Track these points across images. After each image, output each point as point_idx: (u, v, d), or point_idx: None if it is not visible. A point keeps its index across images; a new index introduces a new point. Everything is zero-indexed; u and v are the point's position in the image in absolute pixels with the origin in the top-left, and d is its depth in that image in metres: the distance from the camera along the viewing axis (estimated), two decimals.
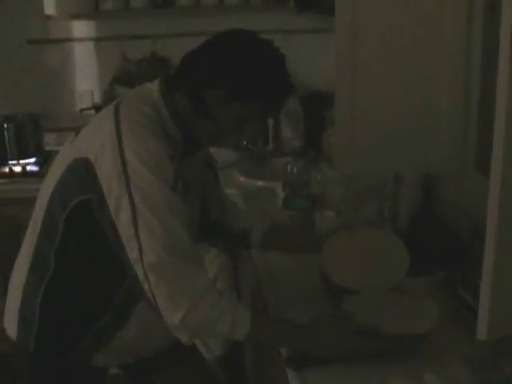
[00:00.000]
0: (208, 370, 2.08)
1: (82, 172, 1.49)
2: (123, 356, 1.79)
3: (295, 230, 2.16)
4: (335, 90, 2.03)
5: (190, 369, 1.95)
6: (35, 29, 3.46)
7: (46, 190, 1.61)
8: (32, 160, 3.34)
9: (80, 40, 3.57)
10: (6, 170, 3.27)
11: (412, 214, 2.10)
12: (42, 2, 3.37)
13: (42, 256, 1.62)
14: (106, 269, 1.59)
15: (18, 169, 3.28)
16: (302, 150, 3.21)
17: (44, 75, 3.52)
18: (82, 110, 3.51)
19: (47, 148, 3.41)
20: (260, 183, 2.85)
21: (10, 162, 3.31)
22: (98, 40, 3.57)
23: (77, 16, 3.46)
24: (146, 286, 1.46)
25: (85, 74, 3.61)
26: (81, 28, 3.56)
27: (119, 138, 1.46)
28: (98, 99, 3.61)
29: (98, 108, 3.38)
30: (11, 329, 1.71)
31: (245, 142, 2.99)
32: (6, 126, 3.31)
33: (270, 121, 3.29)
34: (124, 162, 1.44)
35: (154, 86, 1.60)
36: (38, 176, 3.10)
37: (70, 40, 3.56)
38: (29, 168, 3.29)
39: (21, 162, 3.31)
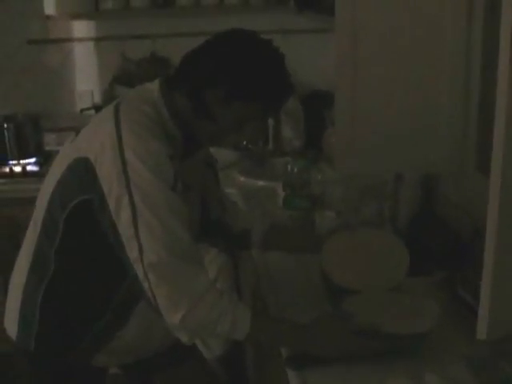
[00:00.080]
0: (208, 370, 2.08)
1: (82, 172, 1.49)
2: (123, 356, 1.79)
3: (295, 230, 2.16)
4: (335, 90, 2.04)
5: (190, 369, 1.95)
6: (35, 29, 3.46)
7: (46, 189, 1.61)
8: (32, 160, 3.34)
9: (80, 40, 3.57)
10: (7, 170, 3.27)
11: (412, 213, 2.10)
12: (41, 2, 3.37)
13: (42, 256, 1.62)
14: (106, 269, 1.59)
15: (18, 169, 3.28)
16: (302, 150, 3.21)
17: (44, 75, 3.52)
18: (82, 110, 3.51)
19: (47, 148, 3.41)
20: (260, 183, 2.85)
21: (10, 162, 3.31)
22: (98, 40, 3.56)
23: (77, 16, 3.46)
24: (146, 286, 1.46)
25: (85, 74, 3.61)
26: (81, 28, 3.56)
27: (119, 137, 1.46)
28: (98, 99, 3.61)
29: (98, 108, 3.38)
30: (11, 329, 1.71)
31: (245, 142, 2.99)
32: (6, 126, 3.31)
33: (270, 121, 3.29)
34: (124, 162, 1.44)
35: (154, 86, 1.60)
36: (38, 176, 3.10)
37: (70, 40, 3.56)
38: (29, 168, 3.29)
39: (21, 162, 3.31)
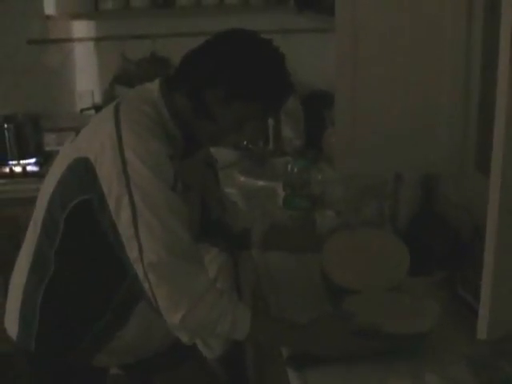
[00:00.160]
0: (208, 370, 2.08)
1: (82, 172, 1.49)
2: (123, 356, 1.79)
3: (295, 230, 2.16)
4: (335, 90, 2.04)
5: (191, 369, 1.95)
6: (35, 29, 3.46)
7: (47, 190, 1.61)
8: (32, 160, 3.34)
9: (80, 40, 3.57)
10: (7, 170, 3.27)
11: (412, 213, 2.10)
12: (42, 2, 3.36)
13: (43, 256, 1.62)
14: (107, 269, 1.59)
15: (18, 169, 3.28)
16: (303, 150, 3.20)
17: (44, 75, 3.52)
18: (82, 110, 3.51)
19: (47, 148, 3.41)
20: (260, 183, 2.85)
21: (11, 163, 3.31)
22: (98, 40, 3.57)
23: (77, 16, 3.46)
24: (146, 286, 1.46)
25: (85, 74, 3.61)
26: (81, 28, 3.57)
27: (119, 137, 1.46)
28: (98, 99, 3.61)
29: (98, 108, 3.38)
30: (12, 329, 1.71)
31: (245, 142, 2.99)
32: (6, 126, 3.31)
33: (271, 121, 3.29)
34: (124, 162, 1.44)
35: (154, 86, 1.60)
36: (38, 176, 3.10)
37: (70, 40, 3.57)
38: (29, 168, 3.29)
39: (21, 162, 3.31)
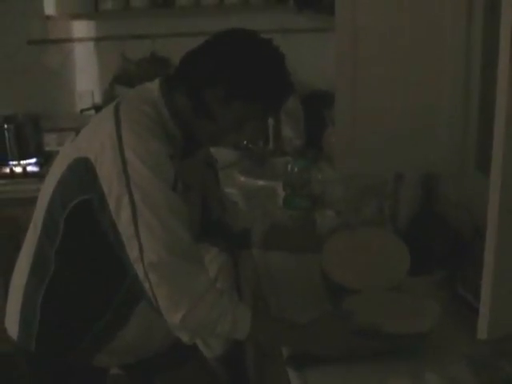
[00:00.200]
0: (209, 370, 2.08)
1: (82, 172, 1.49)
2: (124, 356, 1.79)
3: (296, 230, 2.16)
4: (335, 90, 2.04)
5: (191, 369, 1.95)
6: (35, 29, 3.46)
7: (47, 190, 1.61)
8: (32, 160, 3.34)
9: (80, 40, 3.57)
10: (7, 170, 3.27)
11: (412, 213, 2.10)
12: (42, 3, 3.37)
13: (43, 256, 1.62)
14: (107, 269, 1.59)
15: (18, 169, 3.28)
16: (303, 150, 3.20)
17: (44, 75, 3.52)
18: (82, 111, 3.51)
19: (48, 148, 3.41)
20: (260, 183, 2.85)
21: (11, 163, 3.31)
22: (97, 40, 3.57)
23: (77, 16, 3.46)
24: (146, 286, 1.46)
25: (85, 74, 3.61)
26: (81, 28, 3.57)
27: (119, 137, 1.46)
28: (98, 99, 3.61)
29: (98, 108, 3.38)
30: (12, 329, 1.71)
31: (245, 142, 2.99)
32: (6, 126, 3.31)
33: (271, 120, 3.29)
34: (124, 162, 1.44)
35: (154, 86, 1.60)
36: (38, 176, 3.10)
37: (70, 40, 3.57)
38: (29, 168, 3.29)
39: (21, 162, 3.31)
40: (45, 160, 3.28)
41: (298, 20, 3.39)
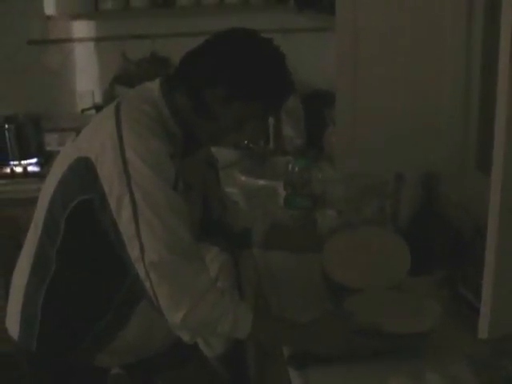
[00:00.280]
0: (210, 369, 2.08)
1: (83, 171, 1.49)
2: (125, 356, 1.79)
3: (296, 230, 2.15)
4: (336, 90, 2.04)
5: (192, 368, 1.95)
6: (35, 29, 3.46)
7: (48, 190, 1.61)
8: (33, 160, 3.34)
9: (80, 40, 3.57)
10: (8, 170, 3.27)
11: (413, 212, 2.10)
12: (42, 3, 3.36)
13: (44, 256, 1.62)
14: (108, 268, 1.59)
15: (19, 169, 3.28)
16: (303, 149, 3.20)
17: (44, 76, 3.52)
18: (82, 111, 3.51)
19: (48, 148, 3.41)
20: (261, 182, 2.85)
21: (12, 163, 3.31)
22: (98, 40, 3.57)
23: (77, 16, 3.46)
24: (147, 285, 1.46)
25: (85, 74, 3.62)
26: (81, 28, 3.57)
27: (120, 137, 1.46)
28: (98, 99, 3.61)
29: (98, 108, 3.38)
30: (13, 329, 1.71)
31: (246, 142, 2.99)
32: (7, 126, 3.31)
33: (271, 120, 3.29)
34: (125, 161, 1.44)
35: (154, 86, 1.60)
36: (39, 176, 3.11)
37: (70, 40, 3.57)
38: (30, 168, 3.30)
39: (22, 162, 3.32)
40: (45, 160, 3.29)
41: (298, 20, 3.39)
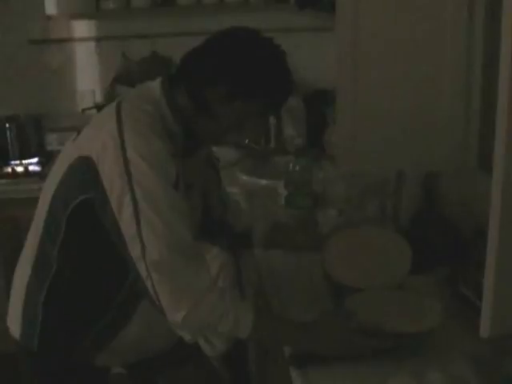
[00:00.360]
0: (211, 369, 2.08)
1: (84, 171, 1.49)
2: (126, 355, 1.79)
3: (297, 229, 2.15)
4: (336, 89, 2.04)
5: (193, 368, 1.95)
6: (36, 29, 3.47)
7: (48, 189, 1.61)
8: (34, 160, 3.34)
9: (81, 40, 3.57)
10: (9, 170, 3.28)
11: (414, 211, 2.10)
12: (43, 2, 3.37)
13: (45, 256, 1.62)
14: (109, 267, 1.59)
15: (20, 169, 3.29)
16: (304, 148, 3.20)
17: (45, 75, 3.52)
18: (83, 110, 3.51)
19: (49, 148, 3.42)
20: (262, 182, 2.85)
21: (12, 162, 3.32)
22: (99, 40, 3.57)
23: (78, 16, 3.47)
24: (148, 284, 1.45)
25: (86, 74, 3.62)
26: (82, 28, 3.57)
27: (121, 136, 1.46)
28: (99, 99, 3.61)
29: (99, 108, 3.39)
30: (14, 328, 1.71)
31: (246, 141, 2.99)
32: (7, 126, 3.32)
33: (272, 119, 3.29)
34: (126, 161, 1.44)
35: (155, 85, 1.60)
36: (40, 176, 3.11)
37: (71, 40, 3.57)
38: (31, 168, 3.30)
39: (23, 162, 3.32)
40: (46, 159, 3.29)
41: (298, 19, 3.39)
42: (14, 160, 3.32)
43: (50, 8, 3.39)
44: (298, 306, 1.76)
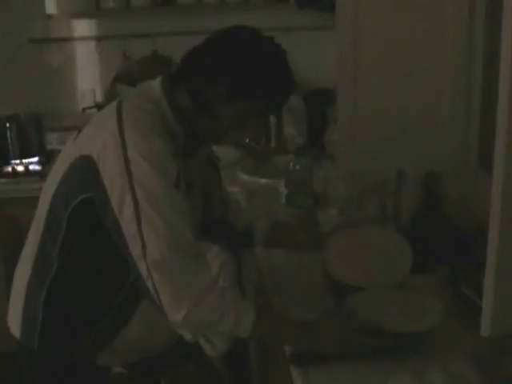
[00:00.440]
0: (211, 368, 2.08)
1: (85, 170, 1.49)
2: (127, 354, 1.79)
3: (298, 228, 2.15)
4: (337, 88, 2.04)
5: (194, 367, 1.95)
6: (37, 28, 3.46)
7: (49, 188, 1.61)
8: (34, 159, 3.34)
9: (81, 39, 3.57)
10: (9, 169, 3.28)
11: (414, 211, 2.10)
12: (43, 1, 3.37)
13: (45, 255, 1.62)
14: (109, 267, 1.60)
15: (20, 168, 3.29)
16: (305, 148, 3.20)
17: (46, 74, 3.52)
18: (84, 109, 3.51)
19: (49, 147, 3.42)
20: (262, 181, 2.85)
21: (13, 162, 3.32)
22: (99, 39, 3.57)
23: (78, 15, 3.47)
24: (149, 284, 1.45)
25: (87, 73, 3.62)
26: (82, 27, 3.57)
27: (122, 135, 1.46)
28: (99, 98, 3.61)
29: (100, 107, 3.38)
30: (15, 328, 1.71)
31: (247, 140, 2.99)
32: (8, 125, 3.32)
33: (273, 118, 3.29)
34: (127, 160, 1.44)
35: (155, 84, 1.60)
36: (40, 175, 3.11)
37: (71, 39, 3.57)
38: (31, 167, 3.30)
39: (23, 161, 3.32)
40: (47, 159, 3.29)
41: (298, 18, 3.39)
42: (15, 159, 3.32)
43: (51, 7, 3.39)
44: (298, 305, 1.76)
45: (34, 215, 1.69)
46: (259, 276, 2.10)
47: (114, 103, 1.57)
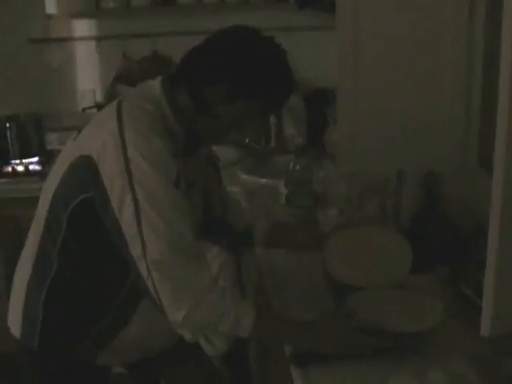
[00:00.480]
0: (211, 368, 2.08)
1: (85, 170, 1.49)
2: (127, 354, 1.79)
3: (298, 228, 2.15)
4: (337, 88, 2.04)
5: (194, 367, 1.95)
6: (37, 28, 3.46)
7: (49, 188, 1.61)
8: (34, 159, 3.34)
9: (81, 39, 3.57)
10: (9, 169, 3.28)
11: (414, 211, 2.10)
12: (43, 1, 3.37)
13: (45, 255, 1.62)
14: (109, 267, 1.60)
15: (20, 168, 3.29)
16: (305, 148, 3.20)
17: (46, 74, 3.52)
18: (84, 109, 3.51)
19: (49, 147, 3.42)
20: (262, 181, 2.85)
21: (13, 162, 3.32)
22: (99, 39, 3.57)
23: (78, 15, 3.47)
24: (149, 283, 1.45)
25: (86, 73, 3.62)
26: (82, 27, 3.57)
27: (122, 135, 1.46)
28: (99, 98, 3.61)
29: (100, 107, 3.38)
30: (15, 328, 1.71)
31: (247, 140, 2.99)
32: (8, 125, 3.32)
33: (273, 118, 3.29)
34: (127, 160, 1.44)
35: (155, 84, 1.60)
36: (40, 175, 3.11)
37: (71, 39, 3.57)
38: (31, 167, 3.30)
39: (23, 161, 3.32)
40: (47, 159, 3.29)
41: (298, 18, 3.39)
42: (15, 159, 3.32)
43: (51, 7, 3.39)
44: (298, 305, 1.76)
45: (33, 215, 1.69)
46: (259, 276, 2.10)
47: (114, 103, 1.57)
